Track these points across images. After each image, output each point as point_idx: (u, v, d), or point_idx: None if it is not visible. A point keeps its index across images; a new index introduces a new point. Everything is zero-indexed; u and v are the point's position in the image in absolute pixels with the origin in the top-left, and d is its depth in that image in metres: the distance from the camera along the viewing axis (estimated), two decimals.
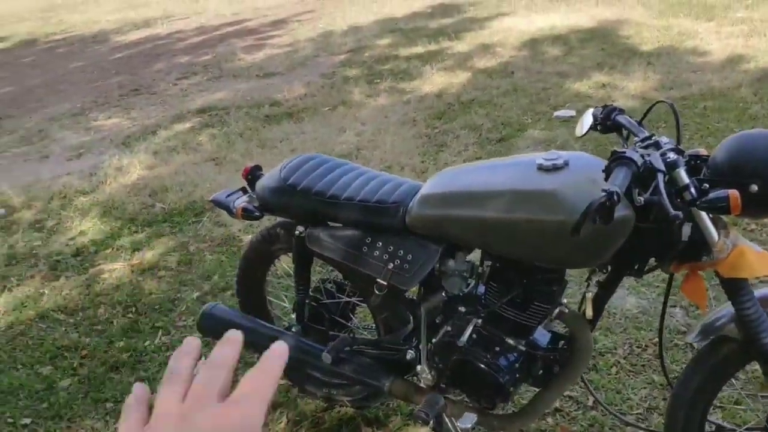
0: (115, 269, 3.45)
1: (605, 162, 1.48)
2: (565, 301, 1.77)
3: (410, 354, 1.92)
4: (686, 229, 1.48)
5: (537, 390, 1.88)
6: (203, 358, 0.54)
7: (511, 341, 1.75)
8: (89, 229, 3.91)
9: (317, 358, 1.96)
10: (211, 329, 2.08)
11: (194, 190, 4.23)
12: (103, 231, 3.88)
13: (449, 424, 1.87)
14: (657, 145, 1.51)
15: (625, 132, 1.68)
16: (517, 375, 1.77)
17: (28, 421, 2.49)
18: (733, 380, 2.02)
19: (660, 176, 1.38)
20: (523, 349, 1.75)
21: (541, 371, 1.80)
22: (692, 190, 1.42)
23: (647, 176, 1.40)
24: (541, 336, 1.79)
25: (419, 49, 6.92)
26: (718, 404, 2.14)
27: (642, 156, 1.43)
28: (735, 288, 1.52)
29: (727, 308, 1.60)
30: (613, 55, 5.83)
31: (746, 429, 1.96)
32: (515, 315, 1.72)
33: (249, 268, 2.29)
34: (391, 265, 1.81)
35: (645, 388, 2.30)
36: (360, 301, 2.18)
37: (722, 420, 2.08)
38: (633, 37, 6.31)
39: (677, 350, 2.43)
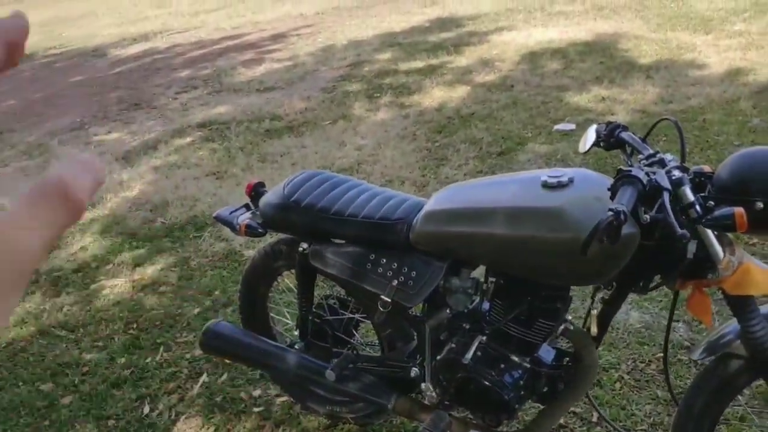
0: (116, 285, 3.44)
1: (609, 179, 1.48)
2: (569, 317, 1.76)
3: (414, 371, 1.92)
4: (691, 247, 1.47)
5: (542, 407, 1.88)
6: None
7: (515, 358, 1.74)
8: (90, 245, 3.91)
9: (321, 375, 1.95)
10: (214, 346, 2.07)
11: (195, 205, 4.24)
12: (103, 246, 3.87)
13: None
14: (662, 163, 1.52)
15: (628, 149, 1.69)
16: (522, 392, 1.76)
17: None
18: (738, 396, 2.01)
19: (666, 195, 1.38)
20: (528, 366, 1.75)
21: (546, 388, 1.80)
22: (697, 207, 1.42)
23: (653, 194, 1.41)
24: (546, 353, 1.78)
25: (419, 64, 6.94)
26: (723, 419, 2.13)
27: (647, 174, 1.43)
28: (741, 305, 1.52)
29: (732, 325, 1.60)
30: (612, 69, 5.84)
31: None
32: (520, 332, 1.71)
33: (251, 284, 2.28)
34: (395, 282, 1.81)
35: (649, 403, 2.29)
36: (363, 318, 2.17)
37: None
38: (631, 50, 6.33)
39: (681, 365, 2.42)
